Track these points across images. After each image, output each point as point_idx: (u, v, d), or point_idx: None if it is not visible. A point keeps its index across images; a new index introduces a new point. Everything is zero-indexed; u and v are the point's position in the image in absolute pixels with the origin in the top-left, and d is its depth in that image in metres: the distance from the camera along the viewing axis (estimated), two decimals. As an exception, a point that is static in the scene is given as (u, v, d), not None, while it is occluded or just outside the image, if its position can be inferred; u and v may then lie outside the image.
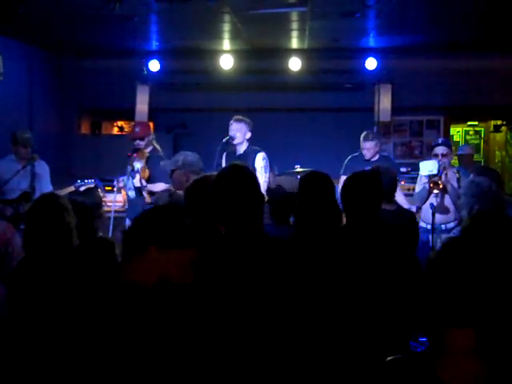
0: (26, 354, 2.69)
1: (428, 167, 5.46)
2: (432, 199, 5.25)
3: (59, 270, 2.95)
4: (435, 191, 5.15)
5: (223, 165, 5.76)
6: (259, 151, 5.82)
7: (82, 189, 5.59)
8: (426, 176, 5.34)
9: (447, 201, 5.31)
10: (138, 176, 5.86)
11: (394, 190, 4.25)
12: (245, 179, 2.44)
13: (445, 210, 5.31)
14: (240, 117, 5.88)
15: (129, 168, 6.02)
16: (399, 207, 4.49)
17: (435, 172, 5.27)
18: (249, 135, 5.86)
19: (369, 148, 6.08)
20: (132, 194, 6.03)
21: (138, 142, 5.97)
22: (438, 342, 1.48)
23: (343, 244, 2.88)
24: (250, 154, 5.79)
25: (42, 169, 6.00)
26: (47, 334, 2.68)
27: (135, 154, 5.97)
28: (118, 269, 2.11)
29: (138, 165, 5.89)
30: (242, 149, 5.87)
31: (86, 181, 5.71)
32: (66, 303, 2.73)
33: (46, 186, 5.98)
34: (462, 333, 1.44)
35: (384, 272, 2.73)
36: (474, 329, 1.42)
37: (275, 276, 2.29)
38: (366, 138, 6.12)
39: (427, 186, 5.29)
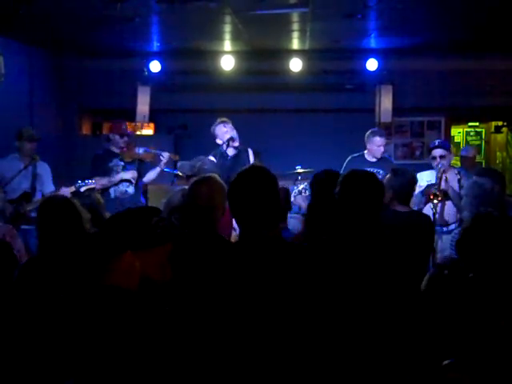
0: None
1: (426, 177, 5.45)
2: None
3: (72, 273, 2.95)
4: (435, 201, 5.06)
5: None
6: (248, 147, 5.94)
7: (83, 189, 5.61)
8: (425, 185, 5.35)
9: (447, 206, 5.27)
10: (167, 154, 6.08)
11: (412, 192, 4.09)
12: (266, 182, 2.38)
13: (446, 215, 5.28)
14: (226, 119, 5.94)
15: (119, 165, 6.07)
16: (413, 210, 4.35)
17: (433, 181, 5.25)
18: None
19: (383, 144, 5.98)
20: (131, 189, 6.07)
21: (125, 138, 6.15)
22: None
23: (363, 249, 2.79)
24: (242, 153, 5.88)
25: (44, 169, 6.03)
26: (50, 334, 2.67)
27: (125, 149, 6.15)
28: (94, 272, 2.13)
29: (140, 150, 6.11)
30: (233, 149, 5.89)
31: (86, 181, 5.73)
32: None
33: (47, 186, 6.00)
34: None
35: (388, 277, 2.69)
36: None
37: (295, 282, 2.24)
38: (379, 134, 6.00)
39: (424, 188, 5.29)
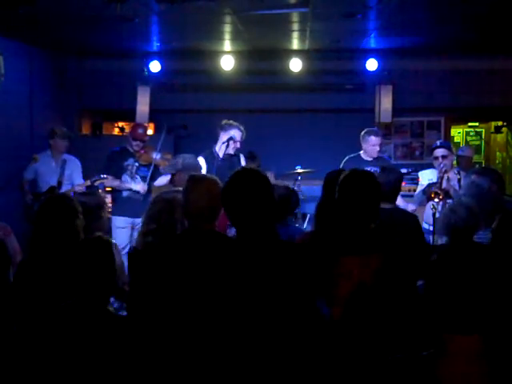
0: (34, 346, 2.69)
1: (428, 176, 5.48)
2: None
3: (60, 270, 2.95)
4: (436, 200, 5.08)
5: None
6: (240, 153, 6.06)
7: (97, 183, 5.90)
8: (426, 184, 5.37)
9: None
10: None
11: (398, 190, 4.15)
12: (259, 182, 2.41)
13: None
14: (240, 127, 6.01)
15: (134, 166, 6.17)
16: (397, 207, 4.39)
17: (435, 180, 5.26)
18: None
19: (379, 143, 6.01)
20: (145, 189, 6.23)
21: (138, 142, 6.25)
22: (439, 345, 1.45)
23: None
24: (233, 156, 5.97)
25: (73, 165, 6.43)
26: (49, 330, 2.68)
27: (143, 151, 6.27)
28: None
29: (158, 156, 6.22)
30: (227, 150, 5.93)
31: (101, 175, 5.96)
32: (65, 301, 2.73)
33: (77, 180, 6.35)
34: (467, 339, 1.39)
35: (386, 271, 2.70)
36: (480, 335, 1.38)
37: (291, 278, 2.28)
38: (374, 134, 6.02)
39: (425, 187, 5.30)
